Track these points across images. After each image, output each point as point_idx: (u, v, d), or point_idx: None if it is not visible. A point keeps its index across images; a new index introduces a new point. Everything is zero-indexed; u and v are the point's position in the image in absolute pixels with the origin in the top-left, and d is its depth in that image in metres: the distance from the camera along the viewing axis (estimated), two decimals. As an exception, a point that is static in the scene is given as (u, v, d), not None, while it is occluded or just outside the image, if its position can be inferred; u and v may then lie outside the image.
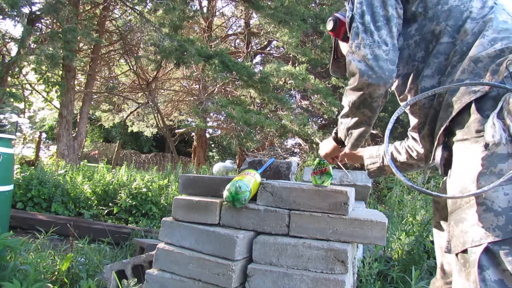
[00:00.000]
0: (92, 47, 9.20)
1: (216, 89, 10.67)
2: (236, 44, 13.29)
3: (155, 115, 11.08)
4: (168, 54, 7.36)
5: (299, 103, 10.88)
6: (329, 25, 1.23)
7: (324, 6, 9.87)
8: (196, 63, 7.78)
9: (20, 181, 4.21)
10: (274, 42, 12.62)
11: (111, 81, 11.69)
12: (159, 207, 4.43)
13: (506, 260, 0.75)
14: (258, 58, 13.62)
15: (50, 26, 7.94)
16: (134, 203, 4.35)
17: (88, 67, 9.69)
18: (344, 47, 1.31)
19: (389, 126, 0.91)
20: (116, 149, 12.55)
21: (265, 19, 8.52)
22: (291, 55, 9.72)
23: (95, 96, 11.56)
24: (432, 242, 2.12)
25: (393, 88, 1.13)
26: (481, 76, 0.86)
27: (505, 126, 0.77)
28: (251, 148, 10.56)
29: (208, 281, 1.30)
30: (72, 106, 8.14)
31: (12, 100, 9.34)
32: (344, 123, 1.14)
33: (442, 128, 0.92)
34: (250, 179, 1.40)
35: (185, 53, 7.35)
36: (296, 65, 8.74)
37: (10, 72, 7.08)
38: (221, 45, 10.89)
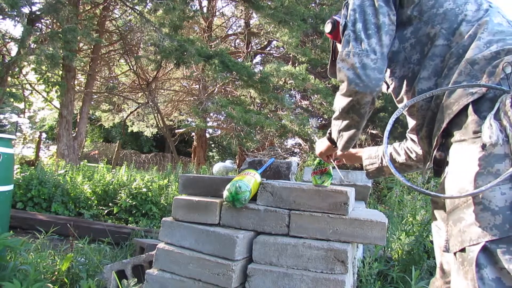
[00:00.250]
0: (92, 47, 9.21)
1: (216, 89, 10.66)
2: (236, 44, 13.28)
3: (155, 115, 11.08)
4: (168, 54, 7.36)
5: (299, 103, 10.87)
6: (327, 28, 1.25)
7: (324, 6, 9.86)
8: (196, 63, 7.79)
9: (20, 181, 4.21)
10: (274, 42, 12.61)
11: (111, 81, 11.69)
12: (159, 207, 4.44)
13: (503, 258, 0.76)
14: (258, 58, 13.61)
15: (50, 26, 7.94)
16: (134, 203, 4.35)
17: (88, 67, 9.69)
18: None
19: (388, 127, 0.91)
20: (116, 149, 12.55)
21: (265, 19, 8.52)
22: (291, 55, 9.71)
23: (95, 96, 11.56)
24: (432, 242, 2.12)
25: (390, 90, 1.15)
26: (478, 78, 0.87)
27: (502, 127, 0.78)
28: (251, 148, 10.56)
29: (208, 281, 1.31)
30: (72, 106, 8.14)
31: (12, 100, 9.34)
32: (336, 125, 1.19)
33: (440, 130, 0.93)
34: (250, 179, 1.41)
35: (185, 53, 7.35)
36: (296, 65, 8.73)
37: (10, 72, 7.08)
38: (221, 45, 10.89)
